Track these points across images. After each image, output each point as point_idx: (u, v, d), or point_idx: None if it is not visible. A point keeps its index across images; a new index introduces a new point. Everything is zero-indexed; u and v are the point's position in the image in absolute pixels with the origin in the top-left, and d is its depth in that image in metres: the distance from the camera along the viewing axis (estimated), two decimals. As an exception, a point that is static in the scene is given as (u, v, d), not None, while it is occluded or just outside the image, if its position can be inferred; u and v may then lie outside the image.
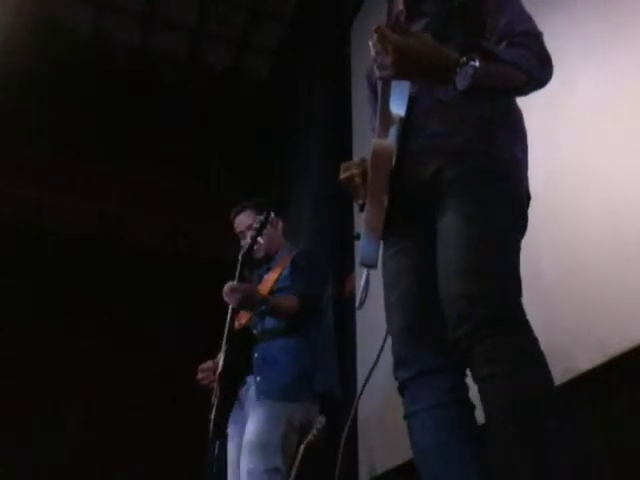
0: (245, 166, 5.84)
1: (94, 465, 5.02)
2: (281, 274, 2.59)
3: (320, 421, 2.45)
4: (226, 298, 2.37)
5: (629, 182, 1.97)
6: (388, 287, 1.45)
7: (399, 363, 1.38)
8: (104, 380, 5.28)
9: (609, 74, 2.15)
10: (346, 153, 4.40)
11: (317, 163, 4.69)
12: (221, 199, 2.97)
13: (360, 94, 4.37)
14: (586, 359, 1.99)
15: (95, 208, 6.04)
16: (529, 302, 2.29)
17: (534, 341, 1.22)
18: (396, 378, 1.39)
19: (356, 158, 1.52)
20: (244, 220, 2.71)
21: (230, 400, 2.46)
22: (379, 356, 1.41)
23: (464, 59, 1.22)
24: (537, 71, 1.31)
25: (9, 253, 5.23)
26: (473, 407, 1.31)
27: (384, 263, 1.47)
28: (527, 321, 1.23)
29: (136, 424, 5.21)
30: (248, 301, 2.42)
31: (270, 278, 2.61)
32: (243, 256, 2.48)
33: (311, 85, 5.16)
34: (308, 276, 2.57)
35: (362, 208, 1.44)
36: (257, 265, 2.73)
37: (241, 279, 2.44)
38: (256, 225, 2.48)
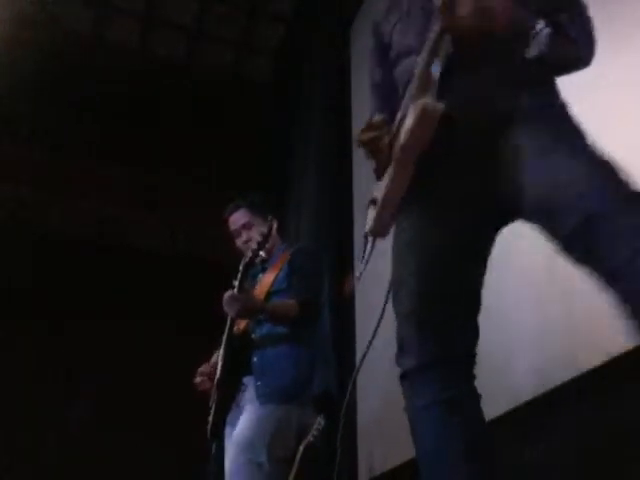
0: (245, 166, 5.84)
1: (96, 465, 5.03)
2: (277, 276, 2.58)
3: (320, 422, 2.45)
4: (226, 308, 2.36)
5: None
6: (399, 263, 1.33)
7: (404, 349, 1.28)
8: (104, 380, 5.28)
9: (609, 74, 2.14)
10: (346, 153, 4.41)
11: (317, 163, 4.69)
12: (221, 199, 2.95)
13: (360, 94, 4.38)
14: (586, 359, 1.98)
15: (95, 208, 6.05)
16: (529, 302, 2.28)
17: None
18: (399, 364, 1.29)
19: (377, 117, 1.38)
20: (238, 219, 2.70)
21: (228, 402, 2.46)
22: (375, 332, 1.35)
23: (541, 26, 1.16)
24: (587, 51, 1.27)
25: (9, 253, 5.23)
26: (479, 401, 1.26)
27: (397, 235, 1.36)
28: None
29: (136, 424, 5.21)
30: (247, 312, 2.42)
31: (266, 280, 2.60)
32: (244, 267, 2.47)
33: (311, 85, 5.16)
34: (307, 279, 2.55)
35: (379, 174, 1.34)
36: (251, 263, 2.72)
37: (241, 289, 2.43)
38: (258, 238, 2.47)
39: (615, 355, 1.87)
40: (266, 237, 2.45)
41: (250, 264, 2.46)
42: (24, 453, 4.98)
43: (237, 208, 2.74)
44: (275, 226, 2.67)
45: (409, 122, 1.24)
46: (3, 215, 5.50)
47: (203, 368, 2.59)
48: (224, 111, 5.94)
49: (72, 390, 5.29)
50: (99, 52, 5.72)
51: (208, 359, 2.65)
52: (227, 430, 2.49)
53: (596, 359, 1.94)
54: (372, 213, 1.38)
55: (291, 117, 5.51)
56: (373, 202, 1.38)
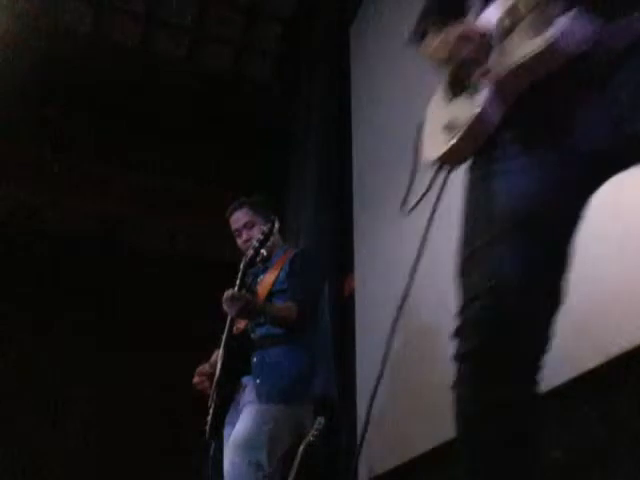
0: (245, 166, 5.84)
1: (96, 465, 5.03)
2: (278, 276, 2.59)
3: (320, 422, 2.46)
4: (225, 307, 2.37)
5: (634, 182, 1.96)
6: (474, 222, 1.08)
7: (465, 329, 1.07)
8: (105, 381, 5.28)
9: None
10: (346, 153, 4.41)
11: (317, 163, 4.69)
12: (221, 199, 2.97)
13: (360, 94, 4.38)
14: (586, 359, 1.98)
15: (96, 208, 6.05)
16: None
17: None
18: (454, 341, 1.09)
19: (474, 25, 1.10)
20: (240, 218, 2.72)
21: (227, 402, 2.47)
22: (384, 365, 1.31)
23: None
24: None
25: (9, 253, 5.23)
26: (536, 396, 1.16)
27: (475, 181, 1.11)
28: None
29: (136, 425, 5.21)
30: (247, 312, 2.42)
31: (267, 280, 2.60)
32: (245, 265, 2.47)
33: (311, 86, 5.16)
34: (305, 280, 2.56)
35: (456, 92, 1.12)
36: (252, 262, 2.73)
37: (241, 288, 2.43)
38: (260, 236, 2.47)
39: (615, 355, 1.87)
40: (267, 235, 2.46)
41: (251, 263, 2.46)
42: (24, 453, 4.97)
43: (238, 207, 2.75)
44: (277, 225, 2.68)
45: (540, 42, 0.99)
46: (3, 215, 5.50)
47: (202, 368, 2.60)
48: (224, 111, 5.94)
49: (71, 391, 5.29)
50: (99, 52, 5.71)
51: (208, 359, 2.66)
52: (226, 430, 2.49)
53: (596, 359, 1.94)
54: (440, 140, 1.13)
55: (291, 117, 5.51)
56: (449, 128, 1.12)
